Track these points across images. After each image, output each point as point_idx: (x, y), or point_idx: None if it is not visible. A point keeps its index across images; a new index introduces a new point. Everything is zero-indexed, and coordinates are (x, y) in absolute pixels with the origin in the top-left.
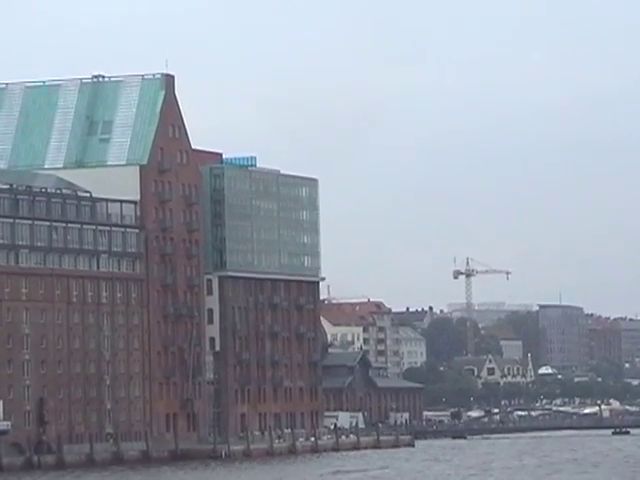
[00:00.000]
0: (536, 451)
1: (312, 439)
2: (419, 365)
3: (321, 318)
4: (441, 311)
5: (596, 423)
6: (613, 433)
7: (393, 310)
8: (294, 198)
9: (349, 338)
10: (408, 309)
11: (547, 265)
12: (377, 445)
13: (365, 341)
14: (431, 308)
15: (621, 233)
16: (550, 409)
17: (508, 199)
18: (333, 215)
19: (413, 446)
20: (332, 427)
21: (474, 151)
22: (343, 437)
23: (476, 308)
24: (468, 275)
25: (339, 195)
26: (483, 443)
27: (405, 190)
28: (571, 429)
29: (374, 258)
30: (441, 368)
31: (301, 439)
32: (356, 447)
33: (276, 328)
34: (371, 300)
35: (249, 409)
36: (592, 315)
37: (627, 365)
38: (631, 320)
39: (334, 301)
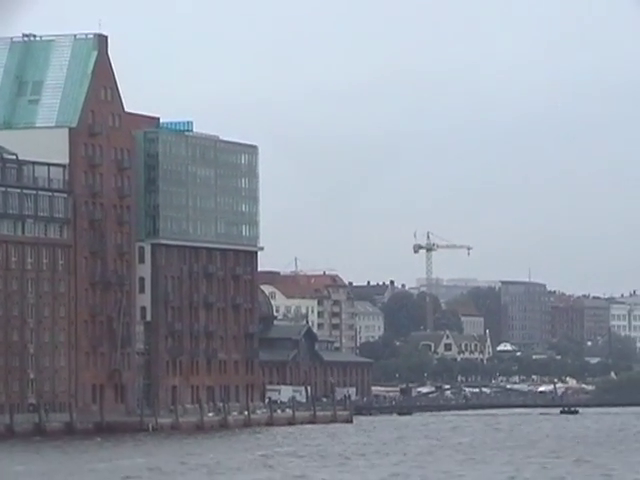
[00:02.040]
0: (459, 430)
1: (245, 413)
2: (376, 340)
3: (275, 290)
4: (402, 286)
5: (547, 401)
6: (561, 412)
7: (354, 284)
8: (233, 165)
9: (303, 311)
10: (369, 283)
11: (511, 242)
12: (313, 420)
13: (320, 314)
14: (392, 282)
15: (586, 211)
16: (504, 387)
17: (472, 174)
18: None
19: (351, 422)
20: (268, 401)
21: (436, 124)
22: (278, 411)
23: (445, 284)
24: (429, 249)
25: (282, 163)
26: (428, 420)
27: (358, 161)
28: (521, 407)
29: (326, 230)
30: (397, 343)
31: (234, 413)
32: (291, 422)
33: (211, 298)
34: (327, 273)
35: (181, 381)
36: (555, 293)
37: (589, 343)
38: (595, 298)
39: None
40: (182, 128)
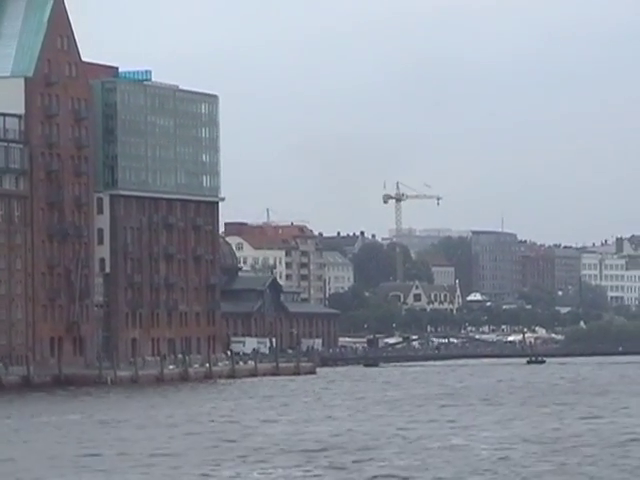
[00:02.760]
0: (421, 381)
1: (207, 365)
2: (345, 291)
3: (242, 241)
4: (373, 236)
5: (515, 351)
6: (528, 362)
7: (325, 235)
8: (193, 115)
9: (270, 262)
10: (339, 234)
11: (482, 191)
12: (276, 372)
13: (288, 265)
14: (362, 233)
15: (558, 161)
16: (473, 337)
17: (442, 123)
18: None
19: (314, 373)
20: (230, 353)
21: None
22: (241, 363)
23: (415, 234)
24: (398, 200)
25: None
26: (393, 371)
27: (326, 108)
28: (488, 357)
29: (296, 182)
30: (367, 294)
31: (196, 365)
32: (253, 374)
33: (171, 250)
34: (295, 224)
35: (141, 334)
36: (526, 242)
37: (560, 293)
38: (566, 248)
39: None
40: (141, 77)
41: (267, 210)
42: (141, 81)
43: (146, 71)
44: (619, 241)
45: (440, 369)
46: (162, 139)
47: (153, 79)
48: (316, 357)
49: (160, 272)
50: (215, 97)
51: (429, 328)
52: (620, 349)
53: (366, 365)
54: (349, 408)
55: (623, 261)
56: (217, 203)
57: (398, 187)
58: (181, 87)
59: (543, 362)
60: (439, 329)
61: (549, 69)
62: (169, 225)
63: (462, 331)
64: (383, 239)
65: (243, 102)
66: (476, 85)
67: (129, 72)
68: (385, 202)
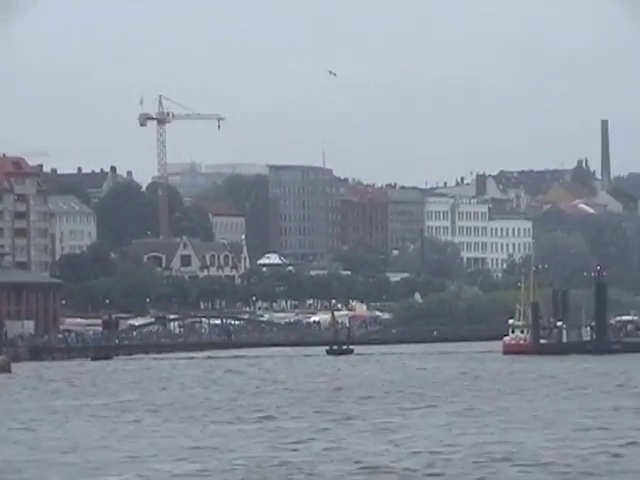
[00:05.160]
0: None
1: None
2: (83, 251)
3: None
4: (128, 174)
5: (318, 337)
6: (328, 352)
7: (60, 172)
8: None
9: None
10: (80, 170)
11: (279, 112)
12: None
13: None
14: (113, 170)
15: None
16: (262, 316)
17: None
18: None
19: (9, 371)
20: None
21: None
22: None
23: (191, 171)
24: (161, 121)
25: None
26: (128, 366)
27: None
28: (279, 346)
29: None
30: (113, 255)
31: None
32: None
33: None
34: (7, 156)
35: None
36: (347, 181)
37: (395, 253)
38: (405, 189)
39: None
40: None
41: None
42: None
43: None
44: (480, 180)
45: (197, 363)
46: None
47: None
48: (23, 347)
49: None
50: None
51: (202, 304)
52: (435, 333)
53: (95, 358)
54: None
55: (485, 208)
56: None
57: (161, 103)
58: None
59: (350, 352)
60: (214, 305)
61: None
62: None
63: (248, 308)
64: (140, 177)
65: None
66: None
67: None
68: (143, 125)
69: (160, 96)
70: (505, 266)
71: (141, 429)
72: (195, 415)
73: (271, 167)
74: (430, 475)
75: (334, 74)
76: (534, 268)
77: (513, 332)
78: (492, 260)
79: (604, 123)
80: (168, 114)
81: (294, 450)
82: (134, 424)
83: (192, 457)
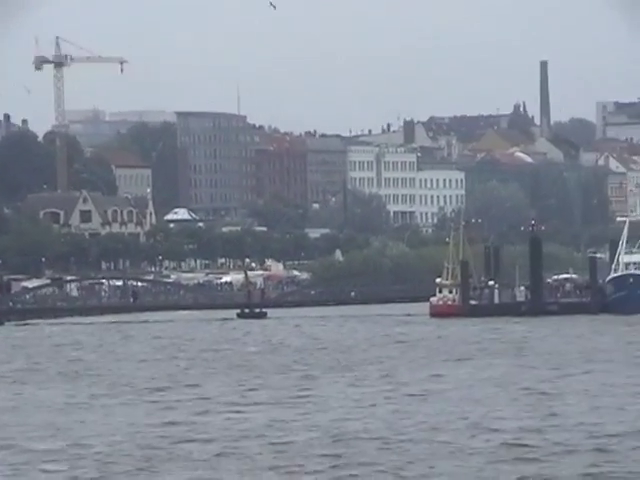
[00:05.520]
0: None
1: None
2: None
3: None
4: (23, 122)
5: (230, 299)
6: (239, 315)
7: None
8: None
9: None
10: None
11: (190, 53)
12: None
13: None
14: (7, 117)
15: None
16: (168, 276)
17: None
18: None
19: None
20: None
21: None
22: None
23: (92, 118)
24: (59, 64)
25: None
26: (19, 333)
27: None
28: (181, 309)
29: None
30: (6, 211)
31: None
32: None
33: None
34: None
35: None
36: (262, 129)
37: (315, 207)
38: (325, 137)
39: None
40: None
41: None
42: None
43: None
44: (408, 126)
45: (87, 329)
46: None
47: None
48: None
49: None
50: None
51: (104, 264)
52: (352, 294)
53: None
54: None
55: (413, 157)
56: None
57: (58, 45)
58: None
59: (263, 315)
60: (116, 265)
61: None
62: None
63: (153, 268)
64: (37, 126)
65: None
66: None
67: None
68: (39, 68)
69: (57, 37)
70: (435, 220)
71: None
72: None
73: (179, 114)
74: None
75: (274, 6)
76: (464, 222)
77: (440, 292)
78: (421, 214)
79: (543, 64)
80: (66, 57)
81: (188, 424)
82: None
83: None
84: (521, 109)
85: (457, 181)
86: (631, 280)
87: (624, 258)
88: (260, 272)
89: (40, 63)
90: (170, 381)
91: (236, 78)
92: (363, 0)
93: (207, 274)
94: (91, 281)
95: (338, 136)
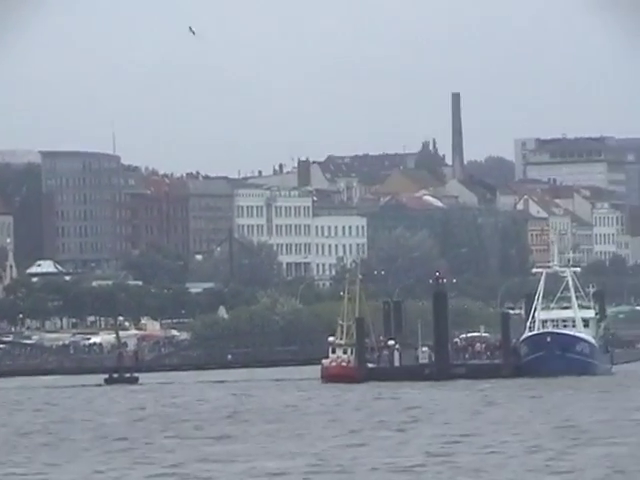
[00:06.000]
0: None
1: None
2: None
3: None
4: None
5: (97, 363)
6: (107, 381)
7: None
8: None
9: None
10: None
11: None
12: None
13: None
14: None
15: None
16: (29, 337)
17: None
18: None
19: None
20: None
21: None
22: None
23: None
24: None
25: None
26: None
27: None
28: (44, 375)
29: None
30: None
31: None
32: None
33: None
34: None
35: None
36: (138, 170)
37: (198, 257)
38: (209, 179)
39: None
40: None
41: None
42: None
43: None
44: (303, 166)
45: None
46: None
47: None
48: None
49: None
50: None
51: None
52: (229, 357)
53: None
54: None
55: (309, 201)
56: None
57: None
58: None
59: (134, 381)
60: None
61: None
62: None
63: (14, 328)
64: None
65: None
66: None
67: None
68: None
69: None
70: (334, 272)
71: None
72: None
73: (44, 154)
74: None
75: (193, 32)
76: (361, 275)
77: (334, 352)
78: (317, 266)
79: (455, 97)
80: None
81: None
82: None
83: None
84: (430, 147)
85: (358, 228)
86: (548, 339)
87: (540, 315)
88: (134, 332)
89: None
90: None
91: (111, 114)
92: (252, 30)
93: (74, 334)
94: None
95: (224, 178)
